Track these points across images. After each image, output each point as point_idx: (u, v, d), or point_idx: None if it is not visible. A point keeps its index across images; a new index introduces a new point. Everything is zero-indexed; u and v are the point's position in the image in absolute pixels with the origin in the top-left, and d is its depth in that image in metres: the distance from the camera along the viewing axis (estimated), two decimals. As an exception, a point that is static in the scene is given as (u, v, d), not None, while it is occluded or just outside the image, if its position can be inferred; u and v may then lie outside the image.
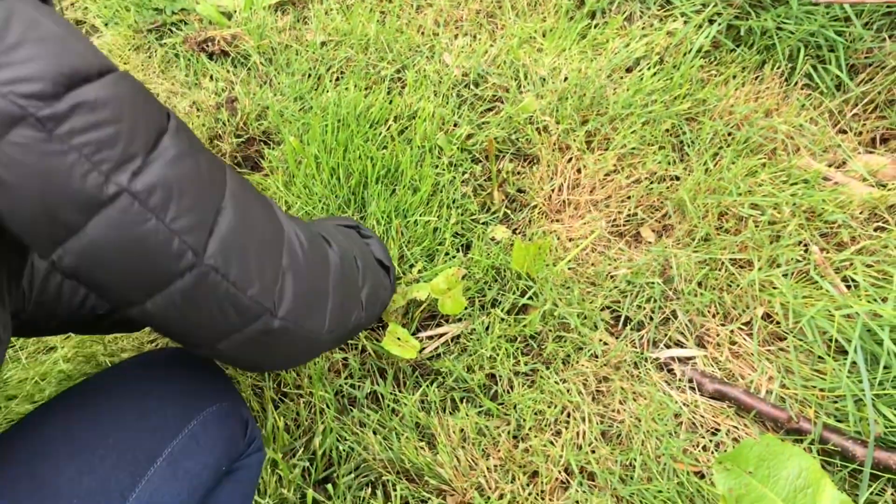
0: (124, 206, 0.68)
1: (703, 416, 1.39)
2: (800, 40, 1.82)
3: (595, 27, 1.99)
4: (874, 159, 1.69)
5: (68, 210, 0.67)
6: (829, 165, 1.69)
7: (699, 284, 1.51)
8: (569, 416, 1.40)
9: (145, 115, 0.71)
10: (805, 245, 1.53)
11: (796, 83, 1.82)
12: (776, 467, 1.08)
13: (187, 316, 0.77)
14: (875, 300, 1.36)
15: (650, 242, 1.60)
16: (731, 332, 1.46)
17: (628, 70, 1.88)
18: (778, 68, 1.84)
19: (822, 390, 1.35)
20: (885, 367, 1.28)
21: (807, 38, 1.82)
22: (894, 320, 1.28)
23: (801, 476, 1.07)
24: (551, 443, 1.35)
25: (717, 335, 1.47)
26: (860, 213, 1.56)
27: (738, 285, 1.49)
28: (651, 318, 1.50)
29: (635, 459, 1.33)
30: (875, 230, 1.54)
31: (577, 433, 1.37)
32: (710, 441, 1.35)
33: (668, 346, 1.48)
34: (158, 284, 0.74)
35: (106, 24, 2.07)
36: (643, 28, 1.96)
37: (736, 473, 1.08)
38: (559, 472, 1.32)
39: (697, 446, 1.35)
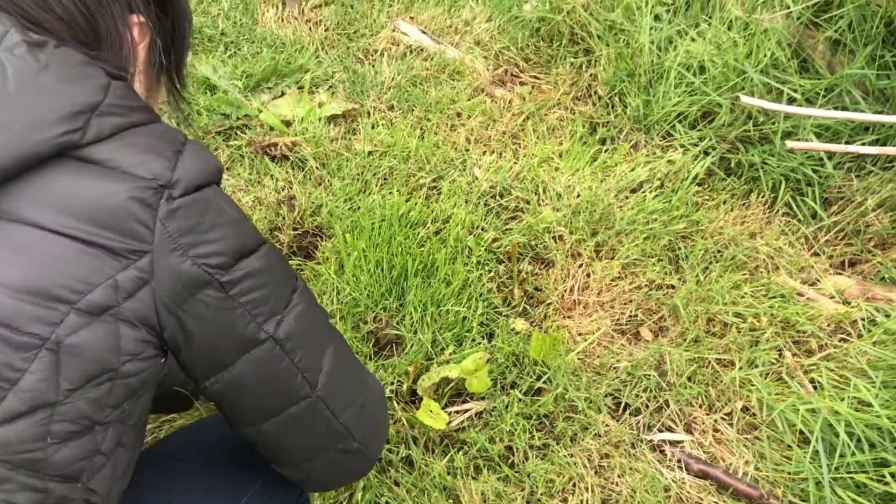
0: (268, 349, 0.90)
1: (688, 492, 1.62)
2: (781, 174, 2.12)
3: (605, 152, 2.30)
4: (842, 280, 1.97)
5: (228, 350, 0.89)
6: (804, 283, 1.97)
7: (689, 379, 1.77)
8: (574, 485, 1.63)
9: (285, 277, 0.93)
10: (779, 350, 1.80)
11: (777, 210, 2.12)
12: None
13: (292, 437, 0.99)
14: (834, 399, 1.62)
15: (648, 340, 1.87)
16: (715, 421, 1.71)
17: (633, 191, 2.17)
18: (762, 197, 2.14)
19: (789, 473, 1.59)
20: (840, 456, 1.53)
21: (787, 173, 2.12)
22: (850, 417, 1.54)
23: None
24: (559, 507, 1.59)
25: (703, 423, 1.72)
26: (827, 325, 1.83)
27: (721, 381, 1.75)
28: (647, 406, 1.75)
29: (630, 525, 1.56)
30: (839, 341, 1.81)
31: (581, 500, 1.60)
32: (694, 513, 1.59)
33: (660, 430, 1.73)
34: (279, 410, 0.96)
35: (178, 125, 2.37)
36: (647, 156, 2.27)
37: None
38: (565, 532, 1.55)
39: (683, 517, 1.58)
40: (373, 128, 2.35)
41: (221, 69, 2.48)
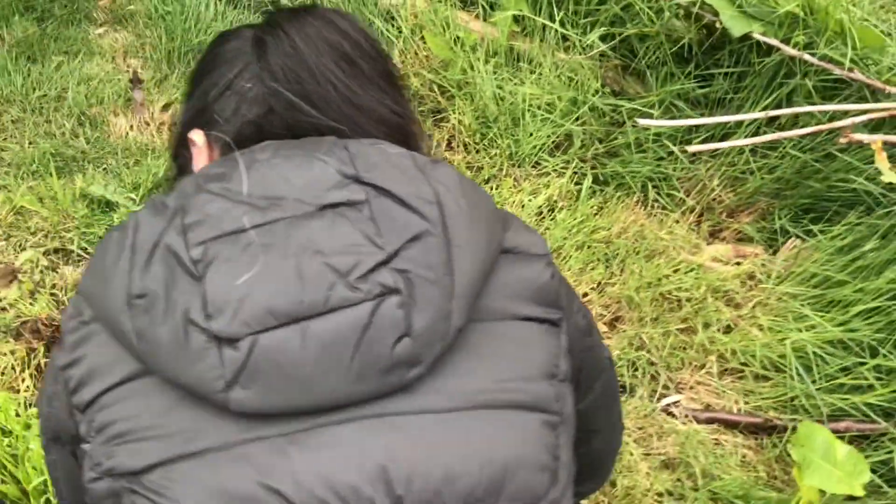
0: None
1: (706, 437, 2.01)
2: (645, 177, 2.61)
3: (495, 189, 2.63)
4: (720, 248, 2.49)
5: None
6: (693, 255, 2.46)
7: (666, 349, 2.16)
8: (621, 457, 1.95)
9: None
10: (718, 309, 2.25)
11: (653, 205, 2.59)
12: (812, 439, 1.72)
13: (598, 415, 1.06)
14: (787, 330, 2.10)
15: (624, 329, 2.23)
16: (700, 377, 2.12)
17: (539, 215, 2.53)
18: (634, 197, 2.60)
19: (775, 398, 2.04)
20: (809, 370, 2.01)
21: (649, 175, 2.61)
22: (806, 338, 2.02)
23: (825, 441, 1.72)
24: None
25: (690, 381, 2.12)
26: (737, 281, 2.33)
27: (691, 345, 2.16)
28: (643, 381, 2.11)
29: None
30: (748, 290, 2.31)
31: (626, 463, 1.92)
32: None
33: (661, 398, 2.10)
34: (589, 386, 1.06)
35: (90, 255, 2.30)
36: (531, 185, 2.64)
37: (798, 447, 1.70)
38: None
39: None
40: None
41: (111, 184, 2.43)
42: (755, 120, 2.46)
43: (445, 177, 0.84)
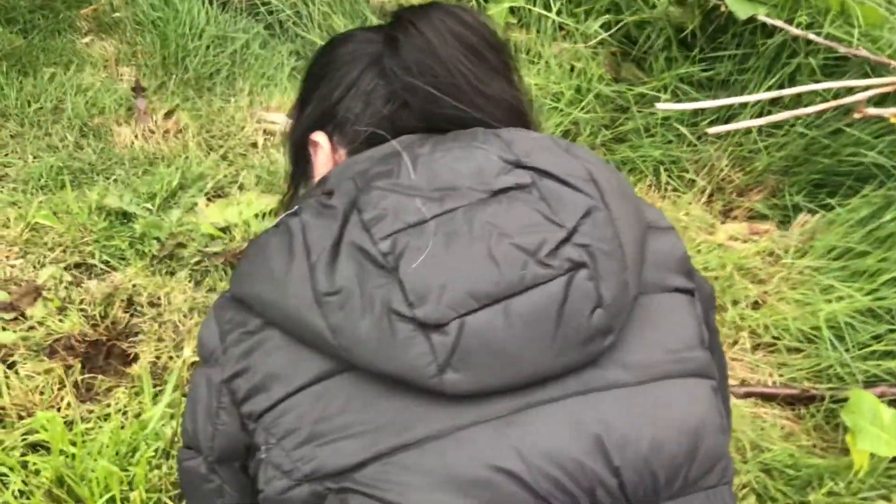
0: None
1: (745, 410, 2.05)
2: (657, 161, 2.64)
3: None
4: (735, 226, 2.54)
5: None
6: (711, 235, 2.50)
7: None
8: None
9: None
10: (745, 286, 2.30)
11: (665, 188, 2.63)
12: (861, 405, 1.77)
13: None
14: (817, 302, 2.15)
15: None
16: (734, 353, 2.16)
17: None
18: (648, 181, 2.64)
19: (809, 370, 2.09)
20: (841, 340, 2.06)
21: (660, 158, 2.65)
22: (846, 310, 2.07)
23: (872, 406, 1.77)
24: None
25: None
26: (759, 258, 2.38)
27: (723, 323, 2.20)
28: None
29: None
30: (770, 265, 2.36)
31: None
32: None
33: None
34: None
35: (113, 269, 2.25)
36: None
37: (850, 414, 1.75)
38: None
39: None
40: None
41: (126, 195, 2.39)
42: (759, 101, 2.51)
43: (588, 155, 0.89)
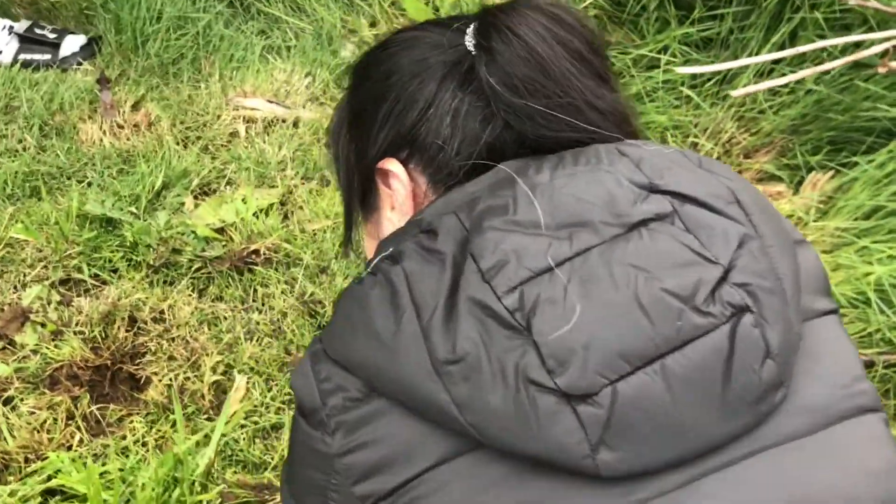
0: None
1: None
2: (664, 126, 2.54)
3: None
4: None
5: None
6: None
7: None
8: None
9: None
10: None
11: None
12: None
13: None
14: (858, 266, 2.09)
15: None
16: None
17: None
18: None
19: (856, 334, 2.03)
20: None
21: (666, 123, 2.55)
22: (890, 272, 2.02)
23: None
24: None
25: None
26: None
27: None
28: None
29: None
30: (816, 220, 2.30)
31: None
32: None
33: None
34: None
35: (104, 282, 2.04)
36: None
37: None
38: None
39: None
40: (314, 204, 2.27)
41: (108, 200, 2.17)
42: (764, 60, 2.43)
43: (723, 168, 0.78)
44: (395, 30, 0.95)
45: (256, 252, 2.08)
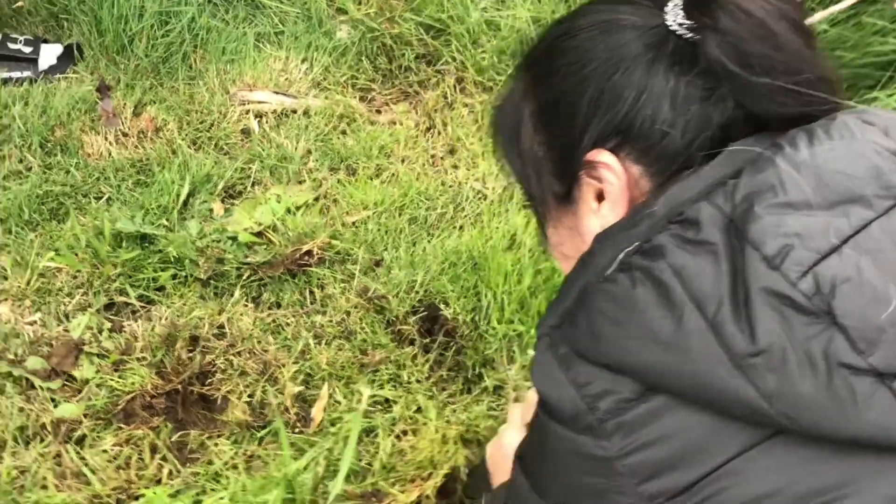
0: None
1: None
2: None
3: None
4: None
5: None
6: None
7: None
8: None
9: None
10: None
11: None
12: None
13: None
14: None
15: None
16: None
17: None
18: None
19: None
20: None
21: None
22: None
23: None
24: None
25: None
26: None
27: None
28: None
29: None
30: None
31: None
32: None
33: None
34: None
35: (150, 302, 1.94)
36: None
37: None
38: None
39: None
40: (350, 197, 2.20)
41: (137, 216, 2.06)
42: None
43: None
44: (573, 12, 0.90)
45: (309, 253, 2.00)
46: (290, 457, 1.60)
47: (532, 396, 1.34)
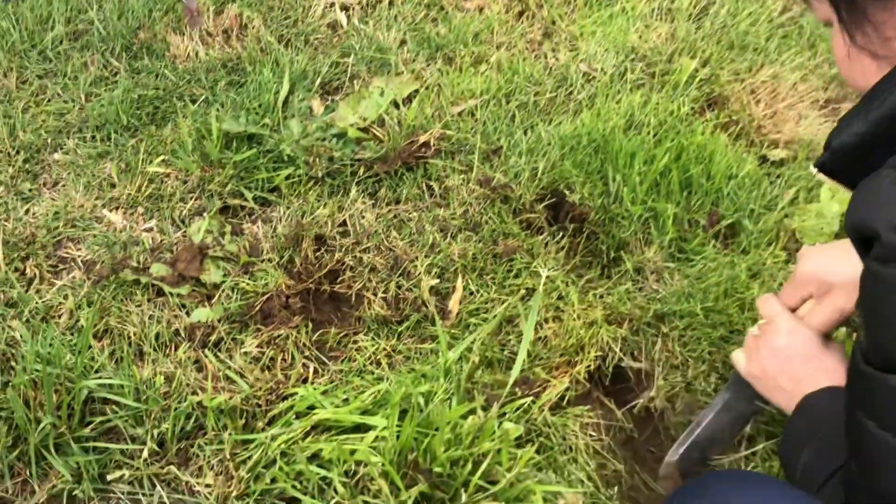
0: None
1: None
2: None
3: None
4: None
5: None
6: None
7: None
8: None
9: None
10: None
11: None
12: None
13: None
14: None
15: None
16: None
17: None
18: None
19: None
20: None
21: None
22: None
23: None
24: None
25: None
26: None
27: None
28: None
29: None
30: None
31: None
32: None
33: None
34: None
35: (264, 204, 1.88)
36: None
37: None
38: None
39: None
40: (455, 86, 2.11)
41: (242, 116, 1.98)
42: None
43: None
44: None
45: (426, 145, 1.92)
46: (446, 346, 1.56)
47: (802, 273, 1.25)
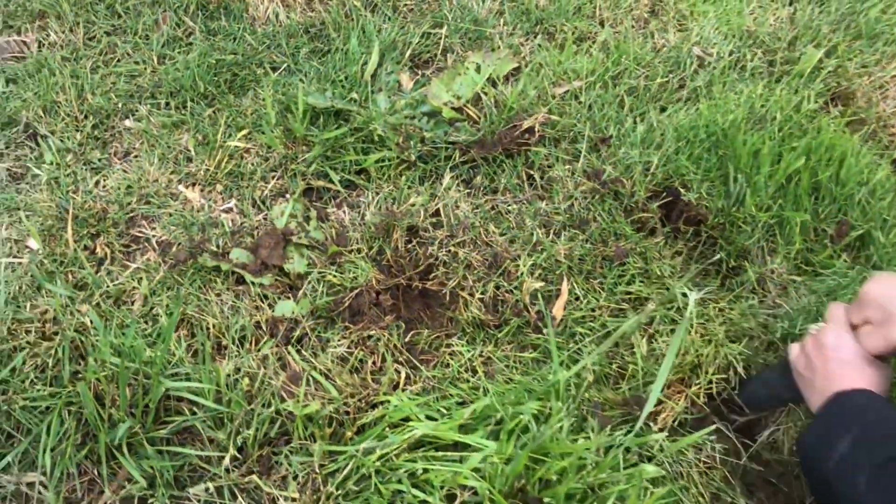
0: None
1: None
2: None
3: None
4: None
5: None
6: None
7: None
8: None
9: None
10: None
11: None
12: None
13: None
14: None
15: None
16: None
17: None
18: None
19: None
20: None
21: None
22: None
23: None
24: None
25: None
26: None
27: None
28: None
29: None
30: None
31: None
32: None
33: None
34: None
35: (349, 186, 1.73)
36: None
37: None
38: None
39: None
40: (559, 63, 1.94)
41: (328, 89, 1.83)
42: None
43: None
44: None
45: (529, 130, 1.76)
46: (559, 364, 1.42)
47: (866, 294, 1.21)
